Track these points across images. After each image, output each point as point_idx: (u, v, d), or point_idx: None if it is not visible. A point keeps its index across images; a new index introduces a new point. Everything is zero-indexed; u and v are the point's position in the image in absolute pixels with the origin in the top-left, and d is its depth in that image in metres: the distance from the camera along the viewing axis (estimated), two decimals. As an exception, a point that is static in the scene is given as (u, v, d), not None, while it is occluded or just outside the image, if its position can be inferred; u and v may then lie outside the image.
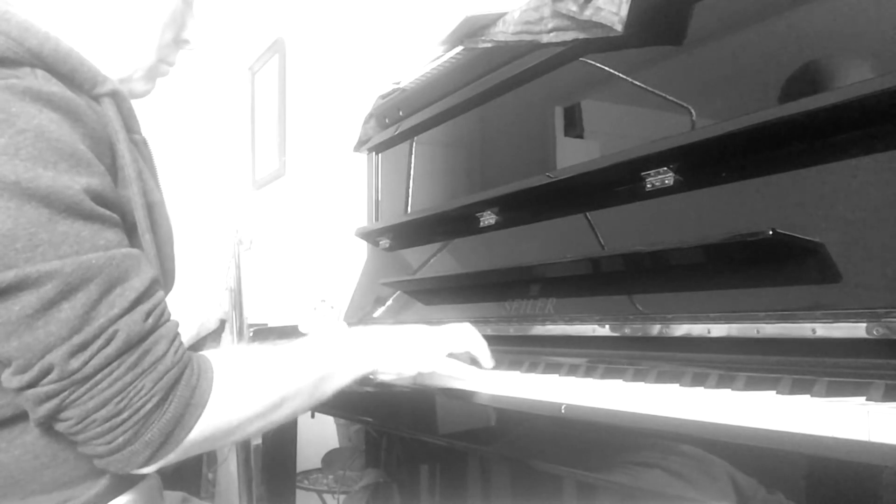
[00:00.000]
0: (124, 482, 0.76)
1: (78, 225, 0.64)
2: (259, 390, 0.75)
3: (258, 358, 0.79)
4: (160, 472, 0.87)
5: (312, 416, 1.79)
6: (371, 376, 0.90)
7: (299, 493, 2.04)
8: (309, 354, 0.83)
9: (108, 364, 0.64)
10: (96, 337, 0.64)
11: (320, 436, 2.22)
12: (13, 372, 0.64)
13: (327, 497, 2.19)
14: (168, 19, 0.83)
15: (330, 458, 2.16)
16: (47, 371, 0.63)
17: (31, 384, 0.63)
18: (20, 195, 0.61)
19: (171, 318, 0.72)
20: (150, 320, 0.67)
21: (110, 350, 0.64)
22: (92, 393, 0.64)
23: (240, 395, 0.73)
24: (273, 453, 1.73)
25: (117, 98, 0.73)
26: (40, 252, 0.62)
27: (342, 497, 1.99)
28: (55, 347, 0.62)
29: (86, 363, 0.63)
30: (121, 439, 0.65)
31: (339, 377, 0.85)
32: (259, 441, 1.85)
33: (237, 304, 2.32)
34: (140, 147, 0.77)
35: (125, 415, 0.65)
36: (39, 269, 0.61)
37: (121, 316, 0.65)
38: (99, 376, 0.64)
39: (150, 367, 0.66)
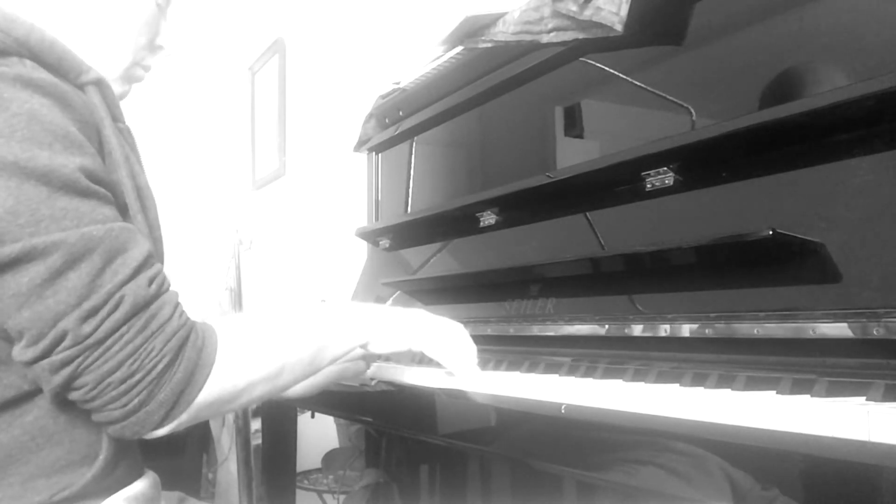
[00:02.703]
0: (119, 471, 0.77)
1: (76, 201, 0.66)
2: (261, 355, 0.78)
3: (259, 325, 0.82)
4: (158, 470, 0.87)
5: (312, 416, 1.79)
6: (361, 348, 0.91)
7: (299, 493, 2.04)
8: (307, 323, 0.86)
9: (119, 328, 0.66)
10: (105, 302, 0.66)
11: (320, 436, 2.22)
12: (26, 344, 0.65)
13: (327, 497, 2.19)
14: (142, 24, 0.85)
15: (330, 458, 2.16)
16: (61, 338, 0.65)
17: (46, 353, 0.65)
18: (19, 174, 0.64)
19: (172, 287, 0.74)
20: (154, 286, 0.70)
21: (119, 314, 0.66)
22: (106, 357, 0.66)
23: (243, 359, 0.76)
24: (273, 453, 1.73)
25: (101, 86, 0.75)
26: (43, 226, 0.64)
27: (342, 497, 1.99)
28: (66, 314, 0.64)
29: (97, 327, 0.65)
30: (136, 401, 0.67)
31: (336, 346, 0.87)
32: (259, 441, 1.85)
33: (237, 304, 2.33)
34: (125, 135, 0.79)
35: (138, 376, 0.67)
36: (45, 240, 0.64)
37: (125, 282, 0.67)
38: (110, 340, 0.66)
39: (159, 330, 0.68)
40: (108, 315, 0.66)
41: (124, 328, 0.66)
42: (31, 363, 0.66)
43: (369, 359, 1.09)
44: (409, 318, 0.95)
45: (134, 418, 0.68)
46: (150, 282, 0.70)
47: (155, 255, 0.74)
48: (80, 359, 0.65)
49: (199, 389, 0.71)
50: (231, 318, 0.83)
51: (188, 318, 0.73)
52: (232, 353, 0.74)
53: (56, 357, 0.65)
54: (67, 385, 0.66)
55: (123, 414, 0.68)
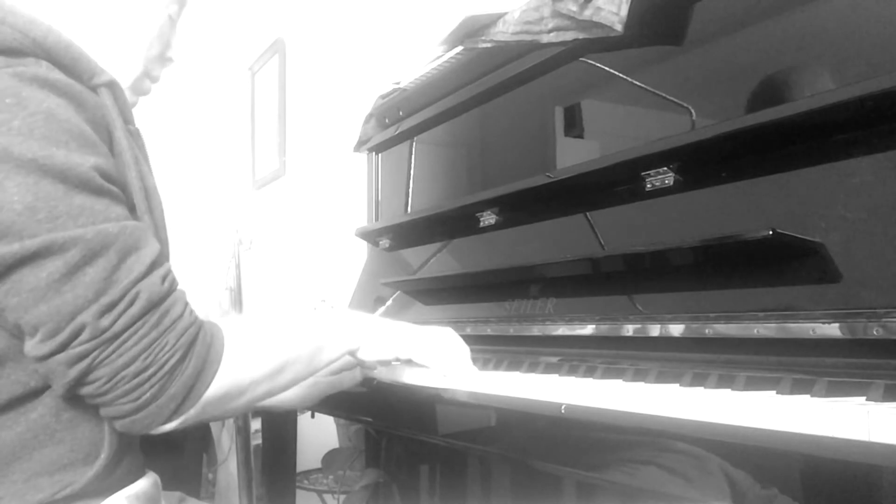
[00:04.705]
0: (120, 470, 0.77)
1: (91, 199, 0.68)
2: (265, 353, 0.81)
3: (262, 326, 0.84)
4: (158, 470, 0.87)
5: (312, 416, 1.79)
6: (351, 355, 0.94)
7: (299, 493, 2.04)
8: (306, 326, 0.89)
9: (134, 323, 0.68)
10: (121, 297, 0.68)
11: (320, 436, 2.22)
12: (42, 338, 0.66)
13: (327, 497, 2.19)
14: (155, 35, 0.87)
15: (330, 458, 2.16)
16: (79, 331, 0.66)
17: (62, 347, 0.66)
18: (37, 171, 0.65)
19: (179, 286, 0.76)
20: (167, 283, 0.72)
21: (135, 310, 0.68)
22: (120, 351, 0.67)
23: (248, 356, 0.78)
24: (273, 453, 1.73)
25: (114, 88, 0.77)
26: (61, 222, 0.66)
27: (342, 497, 1.99)
28: (84, 309, 0.66)
29: (114, 321, 0.67)
30: (148, 394, 0.69)
31: (331, 349, 0.90)
32: (259, 441, 1.85)
33: (237, 304, 2.33)
34: (135, 137, 0.81)
35: (152, 370, 0.69)
36: (64, 236, 0.65)
37: (140, 279, 0.69)
38: (126, 334, 0.68)
39: (171, 326, 0.70)
40: (125, 310, 0.67)
41: (139, 323, 0.68)
42: (46, 358, 0.67)
43: (366, 368, 1.10)
44: (396, 329, 0.97)
45: (145, 412, 0.69)
46: (163, 279, 0.72)
47: (164, 254, 0.75)
48: (96, 352, 0.66)
49: (208, 385, 0.73)
50: (234, 318, 0.84)
51: (197, 316, 0.75)
52: (238, 350, 0.76)
53: (73, 351, 0.66)
54: (81, 379, 0.67)
55: (135, 408, 0.69)
